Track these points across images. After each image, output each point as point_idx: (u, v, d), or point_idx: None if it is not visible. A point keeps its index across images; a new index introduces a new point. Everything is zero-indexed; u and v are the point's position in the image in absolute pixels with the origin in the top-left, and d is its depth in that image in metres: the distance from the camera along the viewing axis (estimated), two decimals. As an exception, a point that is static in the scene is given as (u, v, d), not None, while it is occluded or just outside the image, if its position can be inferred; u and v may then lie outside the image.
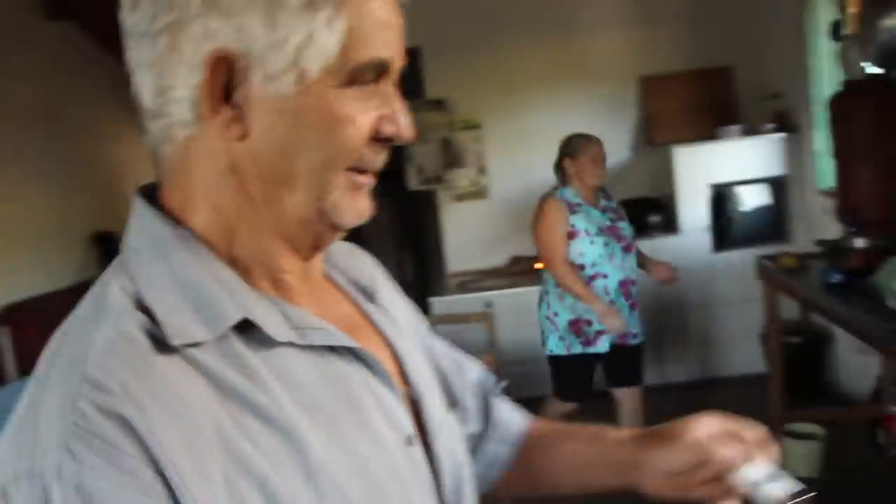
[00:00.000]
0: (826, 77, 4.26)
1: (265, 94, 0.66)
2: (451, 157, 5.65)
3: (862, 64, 3.02)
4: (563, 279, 3.32)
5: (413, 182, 5.74)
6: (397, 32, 0.71)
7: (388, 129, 0.71)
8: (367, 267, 0.92)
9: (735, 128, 4.93)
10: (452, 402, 0.94)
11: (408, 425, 0.77)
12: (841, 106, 3.20)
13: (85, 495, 0.56)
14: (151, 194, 0.73)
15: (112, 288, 0.67)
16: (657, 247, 4.80)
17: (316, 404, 0.69)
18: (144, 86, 0.69)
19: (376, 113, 0.70)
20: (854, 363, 3.73)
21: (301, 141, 0.68)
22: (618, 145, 5.57)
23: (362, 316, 0.84)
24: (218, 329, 0.65)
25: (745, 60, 5.42)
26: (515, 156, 5.52)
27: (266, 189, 0.69)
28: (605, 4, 5.52)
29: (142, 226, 0.71)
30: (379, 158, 0.73)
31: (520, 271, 5.14)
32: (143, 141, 0.72)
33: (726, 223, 4.83)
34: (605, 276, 3.35)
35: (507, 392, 3.44)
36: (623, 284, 3.38)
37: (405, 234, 7.09)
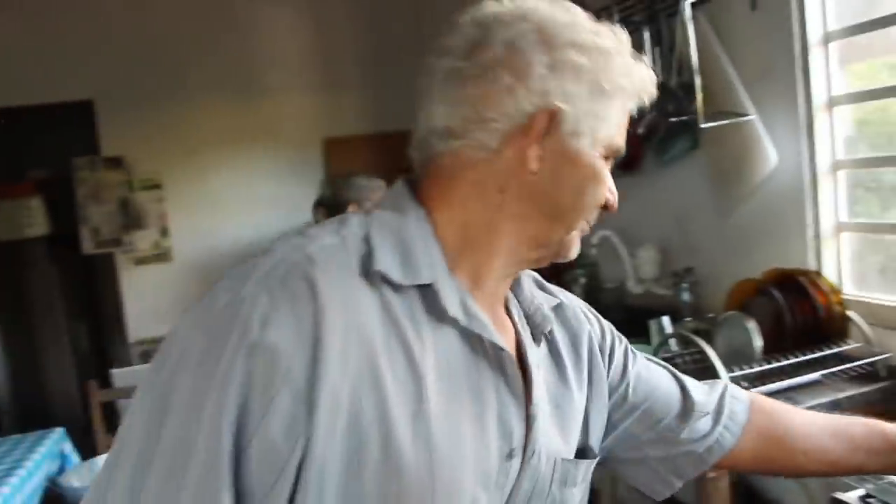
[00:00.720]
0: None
1: (565, 144, 0.87)
2: (130, 219, 5.32)
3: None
4: None
5: (87, 245, 5.32)
6: None
7: (610, 198, 0.92)
8: (545, 304, 1.02)
9: (416, 189, 5.23)
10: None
11: (517, 439, 0.89)
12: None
13: (263, 323, 0.74)
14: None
15: (353, 219, 0.88)
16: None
17: (451, 375, 0.84)
18: (453, 114, 0.87)
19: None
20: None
21: (574, 184, 0.88)
22: (304, 206, 5.62)
23: (516, 346, 0.95)
24: (410, 279, 0.83)
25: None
26: (199, 217, 5.30)
27: (525, 211, 0.88)
28: (289, 70, 5.60)
29: (395, 196, 0.91)
30: (595, 218, 0.94)
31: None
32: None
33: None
34: None
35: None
36: None
37: (79, 302, 6.51)
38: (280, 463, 0.74)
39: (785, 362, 2.00)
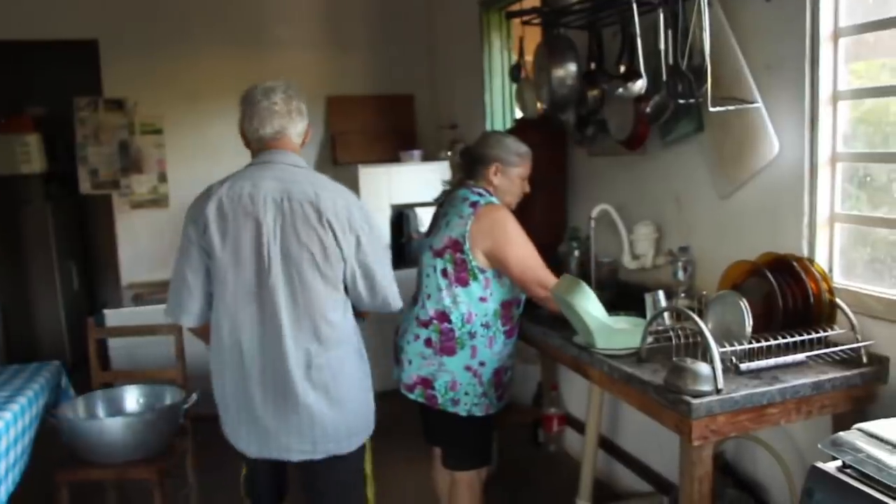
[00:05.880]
0: (497, 112, 4.72)
1: None
2: (129, 162, 5.34)
3: (537, 104, 3.42)
4: (548, 303, 2.69)
5: (85, 186, 5.32)
6: None
7: None
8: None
9: (416, 152, 5.27)
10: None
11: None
12: (515, 140, 3.56)
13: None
14: None
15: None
16: (342, 262, 4.96)
17: None
18: None
19: None
20: (519, 371, 4.16)
21: None
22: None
23: None
24: None
25: (424, 91, 5.83)
26: (198, 165, 5.28)
27: None
28: (296, 25, 5.60)
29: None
30: None
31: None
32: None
33: (405, 242, 5.11)
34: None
35: (196, 407, 3.27)
36: None
37: (72, 242, 6.53)
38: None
39: (773, 342, 2.08)
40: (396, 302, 2.41)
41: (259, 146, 2.36)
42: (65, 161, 5.86)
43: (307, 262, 2.23)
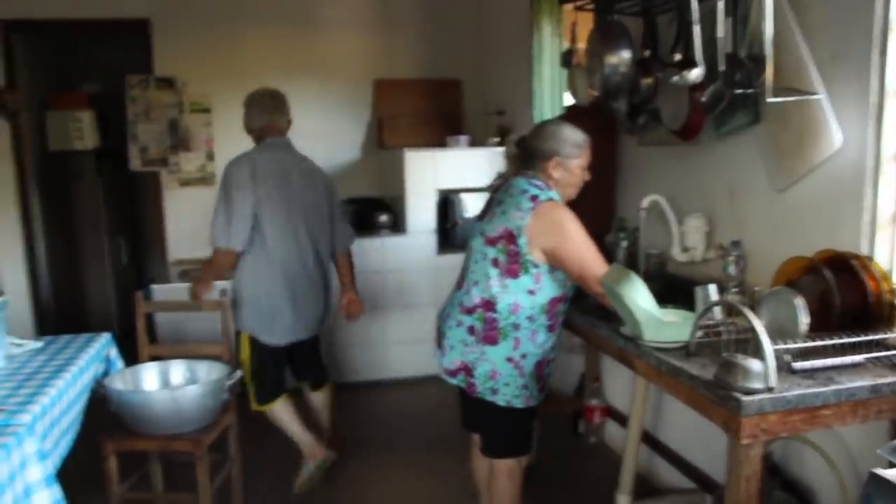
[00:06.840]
0: (546, 99, 4.66)
1: None
2: (178, 140, 5.39)
3: (588, 91, 3.36)
4: (606, 300, 2.51)
5: (135, 163, 5.39)
6: None
7: None
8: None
9: (463, 138, 5.24)
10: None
11: None
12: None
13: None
14: None
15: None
16: (385, 246, 4.96)
17: None
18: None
19: None
20: (561, 362, 4.12)
21: None
22: (351, 144, 5.67)
23: None
24: None
25: (472, 77, 5.79)
26: (245, 145, 5.28)
27: None
28: (346, 6, 5.59)
29: None
30: None
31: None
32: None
33: (451, 227, 5.09)
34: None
35: (240, 384, 3.30)
36: None
37: (122, 218, 6.63)
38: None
39: (830, 342, 2.02)
40: (352, 237, 3.94)
41: (259, 135, 3.65)
42: (116, 138, 5.93)
43: (316, 209, 3.66)
